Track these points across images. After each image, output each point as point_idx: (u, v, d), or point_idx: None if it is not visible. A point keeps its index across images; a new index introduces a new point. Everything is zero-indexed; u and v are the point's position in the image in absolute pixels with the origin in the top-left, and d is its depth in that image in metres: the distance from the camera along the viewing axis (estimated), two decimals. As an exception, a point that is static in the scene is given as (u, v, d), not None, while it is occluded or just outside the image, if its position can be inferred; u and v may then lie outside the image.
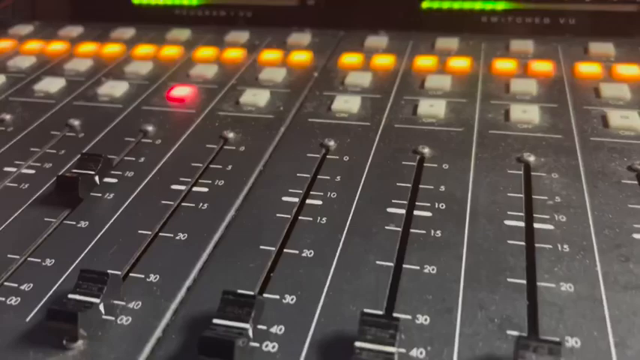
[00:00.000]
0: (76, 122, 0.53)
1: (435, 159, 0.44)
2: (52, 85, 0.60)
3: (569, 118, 0.49)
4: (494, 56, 0.60)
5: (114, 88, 0.58)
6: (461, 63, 0.58)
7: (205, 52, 0.65)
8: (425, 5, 0.67)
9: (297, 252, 0.37)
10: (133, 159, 0.47)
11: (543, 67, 0.56)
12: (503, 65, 0.57)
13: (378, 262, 0.35)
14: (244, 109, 0.54)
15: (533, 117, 0.48)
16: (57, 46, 0.70)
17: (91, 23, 0.76)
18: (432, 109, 0.51)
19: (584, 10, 0.62)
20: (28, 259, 0.38)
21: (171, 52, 0.66)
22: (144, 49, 0.67)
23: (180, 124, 0.52)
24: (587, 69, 0.55)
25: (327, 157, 0.46)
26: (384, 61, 0.60)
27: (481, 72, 0.57)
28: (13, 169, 0.47)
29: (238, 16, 0.73)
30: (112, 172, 0.45)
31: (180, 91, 0.57)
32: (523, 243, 0.36)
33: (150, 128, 0.51)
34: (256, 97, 0.55)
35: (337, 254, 0.36)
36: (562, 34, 0.63)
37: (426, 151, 0.45)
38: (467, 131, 0.48)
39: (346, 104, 0.53)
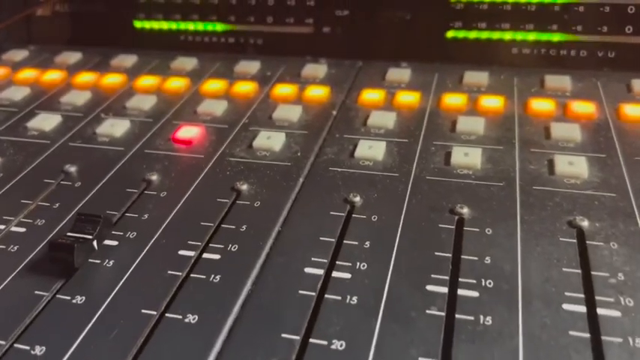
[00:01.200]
0: (72, 169, 0.48)
1: (475, 221, 0.40)
2: (46, 122, 0.55)
3: (621, 172, 0.44)
4: (530, 94, 0.55)
5: (114, 127, 0.53)
6: (493, 102, 0.53)
7: (214, 85, 0.60)
8: (450, 35, 0.62)
9: (325, 343, 0.32)
10: (136, 216, 0.42)
11: (585, 108, 0.51)
12: (541, 106, 0.52)
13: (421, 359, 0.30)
14: (258, 155, 0.49)
15: (582, 170, 0.43)
16: (53, 75, 0.65)
17: (90, 48, 0.71)
18: (467, 158, 0.46)
19: (626, 42, 0.58)
20: (15, 345, 0.33)
21: (176, 84, 0.61)
22: (147, 80, 0.62)
23: (188, 173, 0.47)
24: (634, 111, 0.50)
25: (353, 215, 0.41)
26: (409, 98, 0.55)
27: (516, 113, 0.52)
28: (2, 227, 0.42)
29: (248, 43, 0.68)
30: (113, 231, 0.40)
31: (188, 132, 0.52)
32: (587, 335, 0.31)
33: (154, 177, 0.46)
34: (271, 140, 0.50)
35: (372, 347, 0.31)
36: (600, 68, 0.59)
37: (465, 211, 0.40)
38: (508, 186, 0.43)
39: (370, 150, 0.48)
